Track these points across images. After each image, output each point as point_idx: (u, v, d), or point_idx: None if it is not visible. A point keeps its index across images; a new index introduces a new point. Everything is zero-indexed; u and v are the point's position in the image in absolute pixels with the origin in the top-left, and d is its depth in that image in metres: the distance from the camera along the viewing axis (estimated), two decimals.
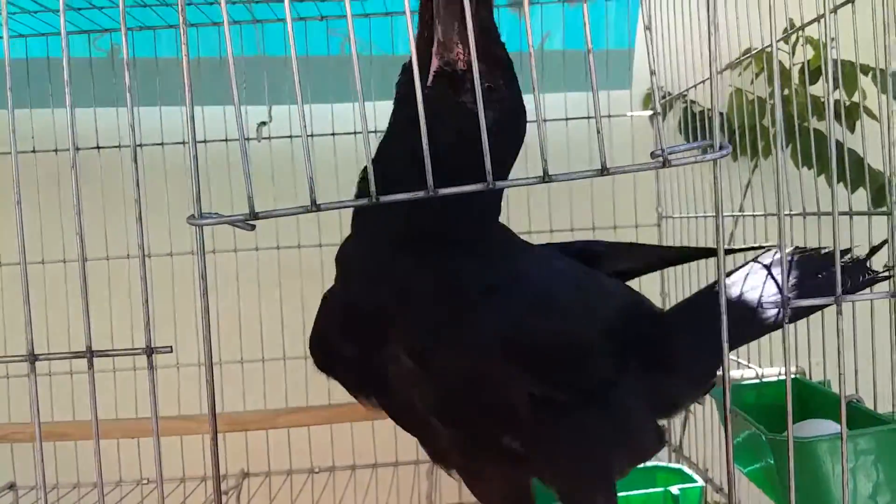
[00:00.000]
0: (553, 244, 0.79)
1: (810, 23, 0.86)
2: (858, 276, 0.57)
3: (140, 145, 1.23)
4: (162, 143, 1.24)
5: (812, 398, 0.75)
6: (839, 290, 0.43)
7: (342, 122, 1.25)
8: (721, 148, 0.43)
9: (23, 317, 0.43)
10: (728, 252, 0.82)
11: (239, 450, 1.19)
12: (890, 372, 0.60)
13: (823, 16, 0.81)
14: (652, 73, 0.52)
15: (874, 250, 0.60)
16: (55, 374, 1.15)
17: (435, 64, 0.54)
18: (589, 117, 1.23)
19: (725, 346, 0.43)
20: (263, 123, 1.26)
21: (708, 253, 0.82)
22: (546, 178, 0.44)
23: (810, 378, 0.82)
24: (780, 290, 0.44)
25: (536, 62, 1.31)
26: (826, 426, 0.67)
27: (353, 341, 0.62)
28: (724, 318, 0.43)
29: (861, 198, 1.15)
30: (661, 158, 0.43)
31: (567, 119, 1.23)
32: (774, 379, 0.84)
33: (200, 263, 0.43)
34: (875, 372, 0.56)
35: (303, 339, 1.25)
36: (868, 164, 0.96)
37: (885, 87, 1.15)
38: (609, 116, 1.23)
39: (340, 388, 1.20)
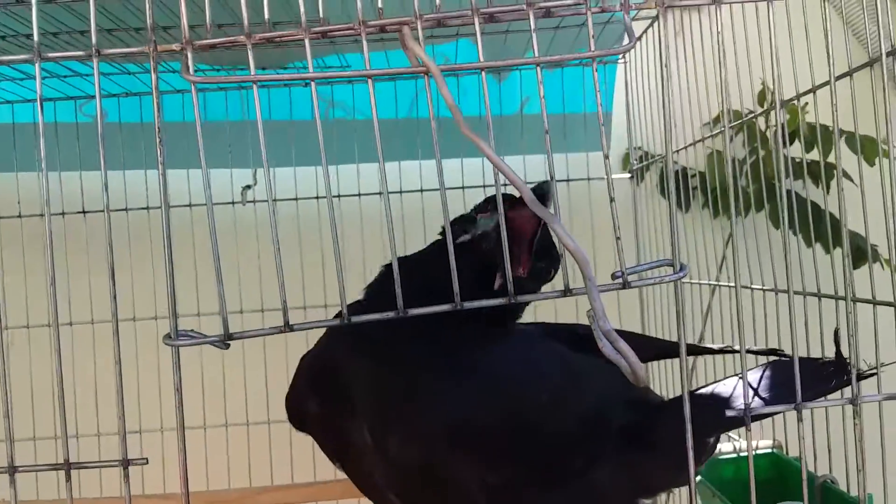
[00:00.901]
0: (554, 325, 0.81)
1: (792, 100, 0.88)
2: (842, 375, 0.59)
3: (126, 209, 1.26)
4: (147, 208, 1.25)
5: (791, 475, 0.76)
6: (799, 398, 0.44)
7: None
8: (681, 269, 0.45)
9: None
10: (697, 352, 0.83)
11: None
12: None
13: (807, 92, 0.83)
14: (612, 200, 0.53)
15: (837, 343, 0.62)
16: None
17: (499, 282, 0.60)
18: (568, 180, 1.25)
19: (689, 447, 0.43)
20: (248, 187, 1.27)
21: (699, 350, 0.83)
22: (512, 298, 0.46)
23: (787, 452, 0.82)
24: (745, 396, 0.45)
25: (517, 125, 1.33)
26: None
27: (324, 403, 0.63)
28: (688, 408, 0.45)
29: (837, 256, 1.17)
30: (620, 281, 0.45)
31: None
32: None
33: (176, 378, 0.43)
34: (846, 452, 0.57)
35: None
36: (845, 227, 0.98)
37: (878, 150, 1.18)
38: (588, 179, 1.25)
39: (327, 461, 1.21)
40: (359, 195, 1.26)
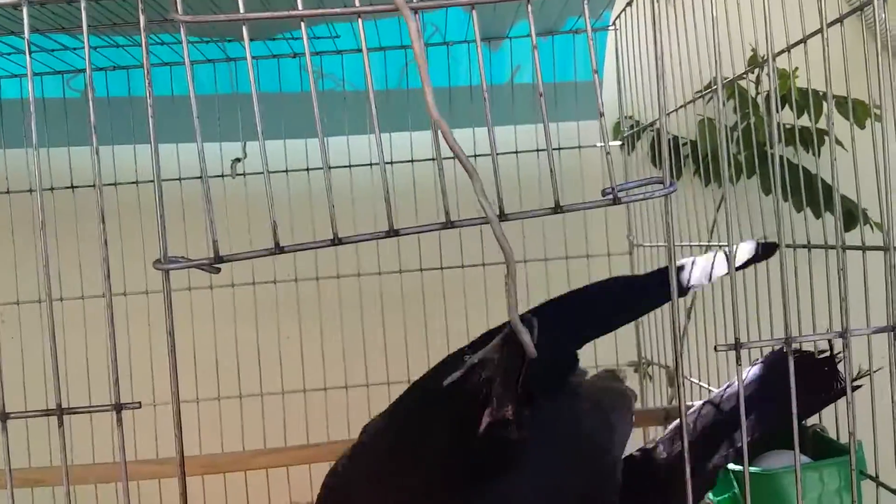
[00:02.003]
0: None
1: (778, 55, 0.88)
2: (831, 381, 0.61)
3: (115, 184, 1.26)
4: (136, 182, 1.24)
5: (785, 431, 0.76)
6: (790, 333, 0.44)
7: (318, 157, 1.26)
8: (670, 185, 0.45)
9: None
10: None
11: (217, 490, 1.18)
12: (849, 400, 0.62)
13: (788, 49, 0.82)
14: (601, 114, 0.53)
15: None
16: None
17: (485, 422, 0.55)
18: (559, 148, 1.25)
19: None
20: (238, 160, 1.27)
21: None
22: (502, 216, 0.46)
23: None
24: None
25: (507, 95, 1.33)
26: (791, 456, 0.68)
27: None
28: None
29: (829, 223, 1.17)
30: (611, 196, 0.44)
31: (538, 150, 1.25)
32: None
33: (167, 304, 0.43)
34: (836, 404, 0.57)
35: (280, 375, 1.26)
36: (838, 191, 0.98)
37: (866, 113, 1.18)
38: (579, 147, 1.25)
39: (318, 426, 1.21)
40: (349, 167, 1.25)
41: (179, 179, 1.24)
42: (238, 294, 1.25)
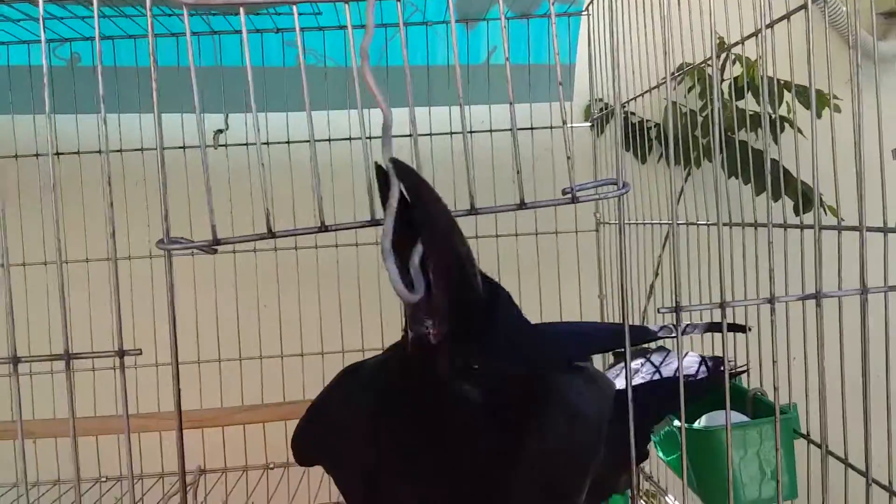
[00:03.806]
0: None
1: (741, 41, 0.93)
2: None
3: (100, 152, 1.28)
4: (120, 150, 1.27)
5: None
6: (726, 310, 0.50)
7: (298, 130, 1.30)
8: (623, 186, 0.50)
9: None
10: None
11: (195, 447, 1.23)
12: (787, 367, 0.68)
13: (755, 34, 0.87)
14: (564, 122, 0.57)
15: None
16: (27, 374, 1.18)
17: (409, 336, 0.49)
18: (532, 128, 1.30)
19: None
20: (220, 131, 1.31)
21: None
22: (473, 210, 0.51)
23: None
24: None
25: (483, 76, 1.38)
26: (733, 416, 0.74)
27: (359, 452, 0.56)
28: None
29: (786, 207, 1.23)
30: (570, 196, 0.50)
31: (512, 130, 1.30)
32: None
33: (169, 280, 0.48)
34: (776, 372, 0.63)
35: (258, 341, 1.30)
36: (794, 175, 1.04)
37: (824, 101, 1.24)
38: (551, 128, 1.30)
39: (295, 387, 1.26)
40: (329, 140, 1.29)
41: (164, 149, 1.27)
42: (219, 262, 1.29)
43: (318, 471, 1.26)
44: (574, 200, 0.52)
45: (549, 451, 0.53)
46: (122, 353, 0.48)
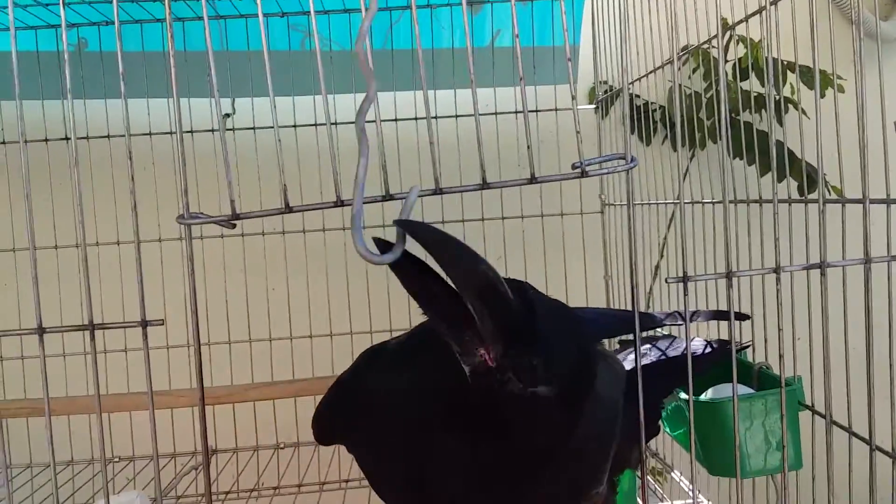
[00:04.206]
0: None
1: (745, 19, 0.93)
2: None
3: (108, 136, 1.30)
4: (128, 135, 1.28)
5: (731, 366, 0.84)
6: (732, 267, 0.51)
7: (304, 114, 1.31)
8: (632, 160, 0.51)
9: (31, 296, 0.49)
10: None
11: (207, 427, 1.24)
12: (792, 340, 0.69)
13: (759, 11, 0.88)
14: (573, 97, 0.58)
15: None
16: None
17: (467, 370, 0.50)
18: (537, 111, 1.31)
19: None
20: (227, 115, 1.32)
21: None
22: (484, 185, 0.52)
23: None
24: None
25: (488, 59, 1.38)
26: (739, 389, 0.76)
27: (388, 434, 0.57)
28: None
29: (790, 186, 1.24)
30: (579, 170, 0.51)
31: (517, 112, 1.31)
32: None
33: (189, 251, 0.49)
34: (781, 341, 0.64)
35: (267, 324, 1.32)
36: (800, 157, 1.05)
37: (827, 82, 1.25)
38: (556, 110, 1.31)
39: (304, 368, 1.28)
40: (335, 124, 1.30)
41: (170, 133, 1.28)
42: (227, 246, 1.30)
43: (327, 451, 1.28)
44: (583, 175, 0.53)
45: (587, 437, 0.54)
46: (145, 324, 0.49)
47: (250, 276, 1.31)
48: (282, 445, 1.28)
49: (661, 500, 1.06)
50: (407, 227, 0.47)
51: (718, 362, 0.74)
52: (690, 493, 0.73)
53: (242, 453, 1.28)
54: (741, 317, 0.75)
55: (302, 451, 1.27)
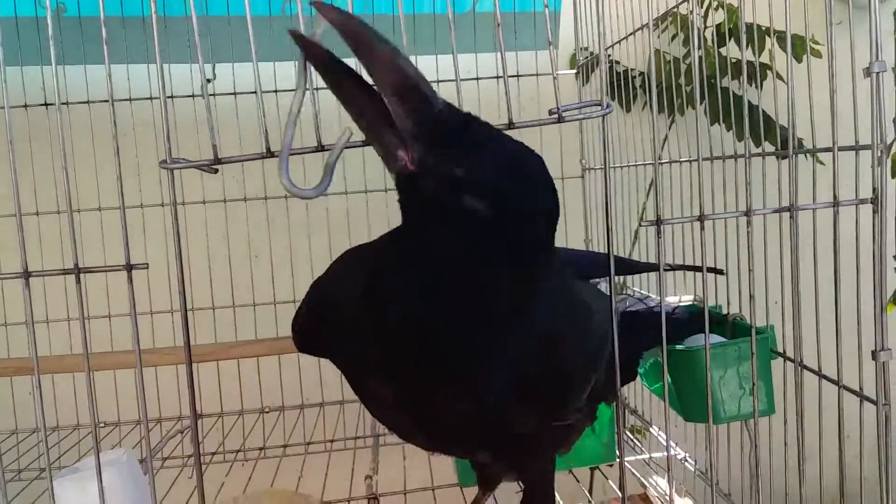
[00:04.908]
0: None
1: None
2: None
3: (88, 102, 1.29)
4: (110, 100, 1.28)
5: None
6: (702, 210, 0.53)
7: (286, 80, 1.31)
8: (607, 106, 0.52)
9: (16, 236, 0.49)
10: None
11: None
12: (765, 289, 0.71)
13: None
14: (549, 42, 0.58)
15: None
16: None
17: (393, 177, 0.49)
18: (518, 76, 1.31)
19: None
20: (208, 80, 1.31)
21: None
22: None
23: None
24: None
25: (469, 24, 1.38)
26: (713, 339, 0.78)
27: (355, 334, 0.53)
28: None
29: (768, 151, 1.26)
30: (556, 115, 0.52)
31: (497, 77, 1.31)
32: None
33: (173, 208, 0.50)
34: (752, 283, 0.65)
35: (251, 288, 1.32)
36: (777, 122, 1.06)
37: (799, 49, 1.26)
38: (537, 75, 1.32)
39: (287, 327, 1.28)
40: (316, 89, 1.30)
41: (150, 99, 1.28)
42: (209, 212, 1.31)
43: (312, 413, 1.30)
44: (560, 120, 0.54)
45: (573, 348, 0.54)
46: (129, 267, 0.50)
47: (233, 242, 1.32)
48: (267, 409, 1.29)
49: (640, 453, 1.09)
50: (325, 11, 0.45)
51: (695, 324, 0.76)
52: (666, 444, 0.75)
53: (228, 417, 1.29)
54: (714, 271, 0.76)
55: (287, 415, 1.29)
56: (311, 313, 0.61)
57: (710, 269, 0.76)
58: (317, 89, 0.51)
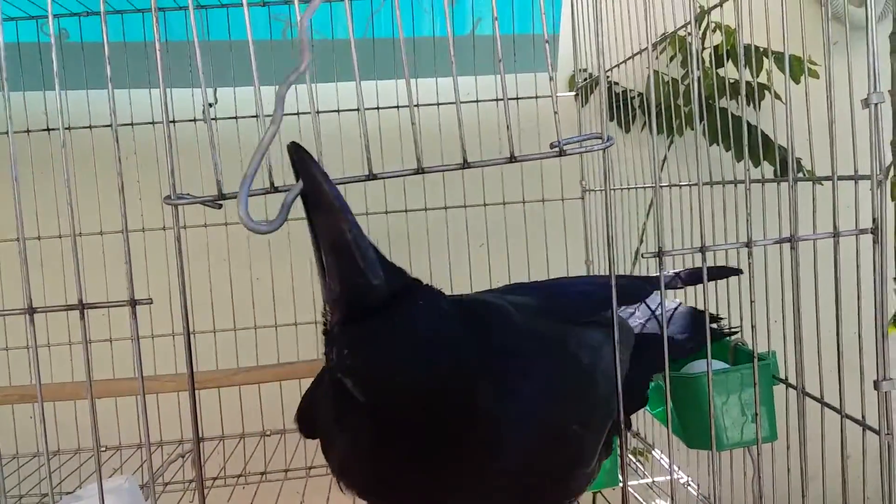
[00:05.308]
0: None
1: (720, 4, 0.95)
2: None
3: (91, 127, 1.30)
4: (112, 125, 1.28)
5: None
6: (704, 243, 0.53)
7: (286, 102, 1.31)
8: (608, 139, 0.53)
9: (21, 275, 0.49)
10: None
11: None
12: (766, 316, 0.71)
13: None
14: (550, 78, 0.59)
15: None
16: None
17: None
18: (518, 98, 1.32)
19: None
20: (210, 105, 1.32)
21: None
22: (465, 164, 0.53)
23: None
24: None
25: (468, 47, 1.39)
26: (715, 365, 0.78)
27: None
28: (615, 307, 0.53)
29: (767, 172, 1.27)
30: (557, 149, 0.52)
31: (497, 100, 1.32)
32: None
33: (176, 244, 0.50)
34: (754, 314, 0.66)
35: (252, 311, 1.32)
36: (776, 142, 1.07)
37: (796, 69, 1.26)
38: (536, 97, 1.33)
39: (289, 355, 1.29)
40: (317, 112, 1.31)
41: (153, 123, 1.29)
42: (211, 236, 1.31)
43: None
44: (561, 153, 0.55)
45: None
46: (133, 303, 0.50)
47: (234, 265, 1.32)
48: (268, 433, 1.29)
49: (642, 477, 1.09)
50: (299, 159, 0.46)
51: (699, 346, 0.76)
52: (669, 469, 0.75)
53: (229, 441, 1.29)
54: (731, 272, 0.75)
55: (288, 438, 1.28)
56: (308, 404, 0.64)
57: (725, 270, 0.76)
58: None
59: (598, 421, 0.56)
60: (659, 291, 0.78)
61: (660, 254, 0.53)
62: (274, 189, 0.53)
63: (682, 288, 0.76)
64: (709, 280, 0.76)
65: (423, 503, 0.52)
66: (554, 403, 0.52)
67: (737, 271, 0.77)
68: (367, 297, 0.45)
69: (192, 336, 0.55)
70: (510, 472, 0.50)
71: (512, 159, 0.55)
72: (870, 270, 0.59)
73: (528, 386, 0.50)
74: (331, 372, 0.48)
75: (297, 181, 0.47)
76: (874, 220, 0.57)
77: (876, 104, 0.56)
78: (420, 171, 0.56)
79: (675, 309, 0.77)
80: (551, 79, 0.57)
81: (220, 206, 0.54)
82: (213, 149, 0.54)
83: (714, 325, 0.82)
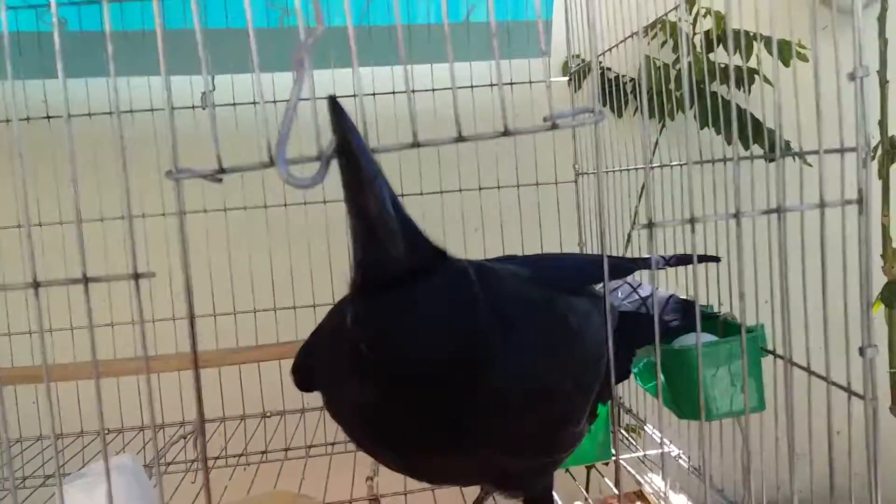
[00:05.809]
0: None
1: None
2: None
3: (90, 114, 1.31)
4: (110, 112, 1.30)
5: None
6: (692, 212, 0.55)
7: (284, 89, 1.33)
8: (599, 113, 0.54)
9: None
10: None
11: (193, 397, 1.27)
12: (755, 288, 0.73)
13: None
14: (544, 54, 0.61)
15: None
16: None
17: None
18: (511, 83, 1.34)
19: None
20: (209, 91, 1.33)
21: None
22: (459, 138, 0.55)
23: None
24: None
25: (463, 34, 1.40)
26: (704, 338, 0.80)
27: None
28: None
29: (757, 154, 1.28)
30: (549, 122, 0.54)
31: (491, 85, 1.34)
32: None
33: (179, 218, 0.51)
34: (742, 283, 0.67)
35: (251, 295, 1.34)
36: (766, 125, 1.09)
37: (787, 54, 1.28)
38: (530, 83, 1.34)
39: (287, 331, 1.30)
40: (317, 99, 1.32)
41: (151, 111, 1.30)
42: (210, 221, 1.32)
43: (313, 417, 1.31)
44: (553, 127, 0.56)
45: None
46: (136, 276, 0.51)
47: (233, 250, 1.33)
48: (268, 414, 1.31)
49: (635, 451, 1.11)
50: (337, 112, 0.46)
51: (685, 329, 0.78)
52: (660, 442, 0.77)
53: (230, 422, 1.30)
54: (710, 259, 0.78)
55: (288, 419, 1.30)
56: (306, 357, 0.66)
57: (705, 258, 0.79)
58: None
59: (587, 382, 0.59)
60: (642, 273, 0.80)
61: (650, 225, 0.55)
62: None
63: (666, 268, 0.78)
64: (690, 265, 0.78)
65: (418, 457, 0.54)
66: (547, 361, 0.54)
67: (716, 259, 0.79)
68: (384, 269, 0.45)
69: (193, 310, 0.56)
70: (504, 428, 0.52)
71: (505, 132, 0.57)
72: (856, 242, 0.61)
73: (525, 343, 0.52)
74: (345, 332, 0.49)
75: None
76: (859, 190, 0.59)
77: (861, 77, 0.58)
78: (416, 144, 0.58)
79: (669, 298, 0.80)
80: (544, 53, 0.59)
81: (220, 181, 0.56)
82: (213, 122, 0.55)
83: (703, 306, 0.84)
